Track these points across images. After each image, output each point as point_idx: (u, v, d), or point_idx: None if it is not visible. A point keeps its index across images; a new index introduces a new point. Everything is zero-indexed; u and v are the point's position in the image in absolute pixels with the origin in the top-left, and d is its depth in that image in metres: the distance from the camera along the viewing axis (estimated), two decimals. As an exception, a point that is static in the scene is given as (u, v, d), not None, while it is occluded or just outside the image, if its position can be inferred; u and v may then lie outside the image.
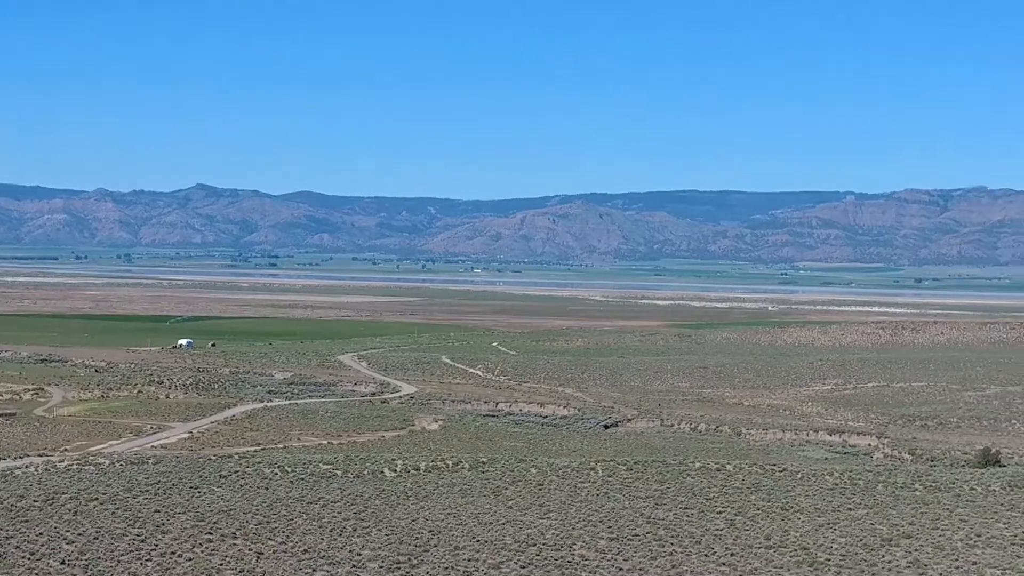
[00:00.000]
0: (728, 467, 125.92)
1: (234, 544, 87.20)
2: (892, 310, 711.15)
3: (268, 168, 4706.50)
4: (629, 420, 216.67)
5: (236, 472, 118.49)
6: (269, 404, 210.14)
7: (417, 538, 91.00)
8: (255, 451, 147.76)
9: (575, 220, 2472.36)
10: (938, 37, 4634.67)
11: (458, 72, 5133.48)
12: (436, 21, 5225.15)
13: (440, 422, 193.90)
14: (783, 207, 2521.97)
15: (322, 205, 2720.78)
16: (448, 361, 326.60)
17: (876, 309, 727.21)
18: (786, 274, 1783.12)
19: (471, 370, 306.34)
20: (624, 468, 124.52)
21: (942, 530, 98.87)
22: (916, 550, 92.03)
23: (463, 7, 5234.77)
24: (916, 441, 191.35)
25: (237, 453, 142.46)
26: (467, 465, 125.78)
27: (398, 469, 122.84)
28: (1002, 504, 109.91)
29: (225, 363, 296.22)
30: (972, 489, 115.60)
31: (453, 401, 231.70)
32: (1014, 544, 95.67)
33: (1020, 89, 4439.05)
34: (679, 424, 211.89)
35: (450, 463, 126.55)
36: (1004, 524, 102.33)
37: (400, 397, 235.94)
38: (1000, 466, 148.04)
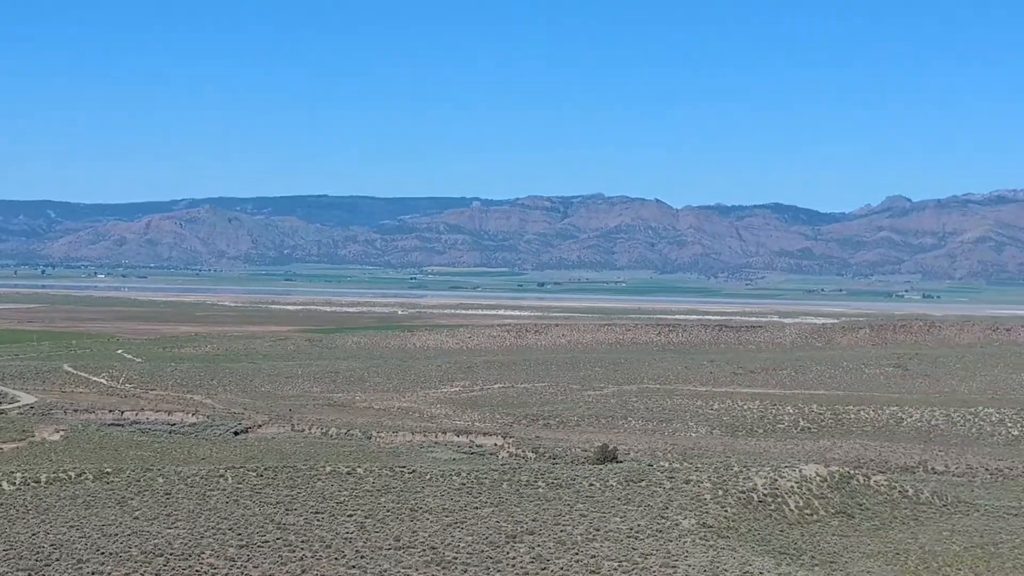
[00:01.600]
0: (358, 470, 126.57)
1: None
2: (517, 313, 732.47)
3: None
4: (260, 426, 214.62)
5: None
6: None
7: (38, 553, 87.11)
8: None
9: (203, 225, 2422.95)
10: (541, 48, 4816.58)
11: (74, 67, 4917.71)
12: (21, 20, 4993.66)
13: (62, 432, 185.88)
14: (412, 213, 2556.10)
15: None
16: (70, 369, 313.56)
17: (502, 312, 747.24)
18: (415, 278, 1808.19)
19: (95, 378, 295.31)
20: (254, 474, 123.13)
21: (563, 525, 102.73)
22: (539, 545, 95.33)
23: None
24: (539, 440, 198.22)
25: None
26: (91, 476, 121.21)
27: (17, 482, 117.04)
28: (619, 499, 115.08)
29: None
30: (591, 485, 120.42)
31: (76, 411, 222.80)
32: (630, 537, 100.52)
33: (628, 101, 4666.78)
34: (310, 429, 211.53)
35: (73, 474, 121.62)
36: (620, 518, 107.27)
37: (19, 408, 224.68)
38: (617, 462, 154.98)
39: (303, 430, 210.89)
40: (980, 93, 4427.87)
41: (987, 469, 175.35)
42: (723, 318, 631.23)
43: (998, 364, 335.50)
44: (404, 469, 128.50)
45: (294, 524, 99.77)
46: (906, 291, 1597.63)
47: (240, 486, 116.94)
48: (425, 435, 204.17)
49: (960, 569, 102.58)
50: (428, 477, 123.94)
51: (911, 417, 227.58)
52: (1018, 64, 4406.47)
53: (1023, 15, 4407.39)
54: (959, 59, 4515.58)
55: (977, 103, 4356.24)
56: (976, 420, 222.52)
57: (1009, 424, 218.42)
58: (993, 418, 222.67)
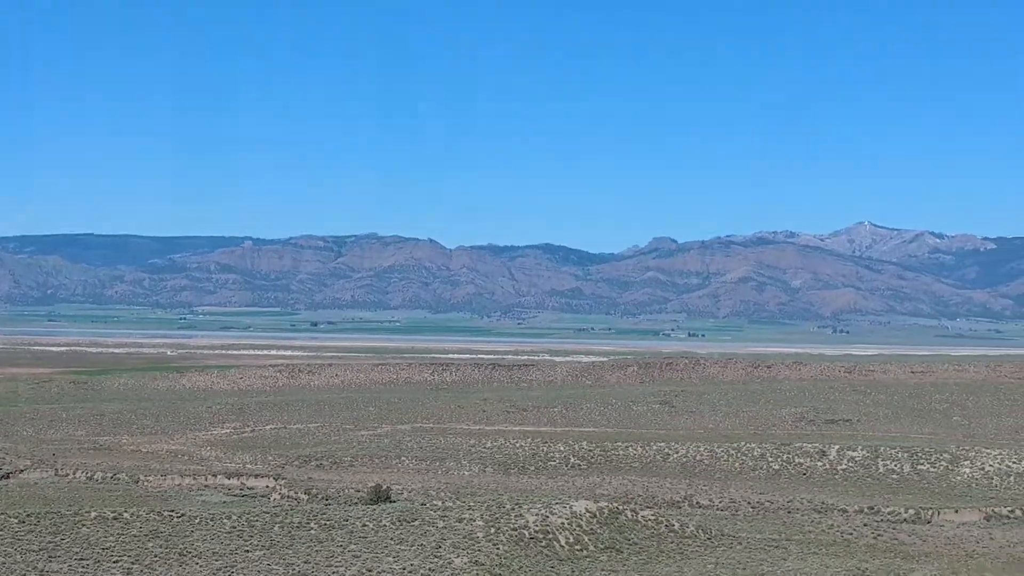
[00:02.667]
0: (125, 515, 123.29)
1: None
2: (290, 353, 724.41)
3: None
4: (21, 471, 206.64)
5: None
6: None
7: None
8: None
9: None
10: (310, 87, 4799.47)
11: None
12: None
13: None
14: (183, 251, 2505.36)
15: None
16: None
17: (274, 352, 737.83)
18: (185, 319, 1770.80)
19: None
20: (16, 520, 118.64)
21: (336, 566, 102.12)
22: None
23: None
24: (312, 481, 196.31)
25: None
26: None
27: None
28: (392, 539, 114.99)
29: None
30: (364, 525, 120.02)
31: None
32: None
33: (400, 141, 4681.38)
34: (74, 473, 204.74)
35: None
36: (393, 558, 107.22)
37: None
38: (391, 502, 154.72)
39: (67, 475, 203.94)
40: (740, 137, 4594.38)
41: (749, 502, 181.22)
42: (496, 357, 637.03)
43: (759, 400, 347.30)
44: (172, 513, 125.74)
45: (58, 571, 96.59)
46: (672, 330, 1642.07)
47: (1, 533, 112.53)
48: (195, 478, 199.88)
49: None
50: (197, 521, 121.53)
51: (677, 452, 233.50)
52: (773, 110, 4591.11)
53: (753, 62, 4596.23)
54: (717, 104, 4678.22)
55: (738, 146, 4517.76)
56: (739, 455, 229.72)
57: (770, 459, 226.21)
58: (755, 453, 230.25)
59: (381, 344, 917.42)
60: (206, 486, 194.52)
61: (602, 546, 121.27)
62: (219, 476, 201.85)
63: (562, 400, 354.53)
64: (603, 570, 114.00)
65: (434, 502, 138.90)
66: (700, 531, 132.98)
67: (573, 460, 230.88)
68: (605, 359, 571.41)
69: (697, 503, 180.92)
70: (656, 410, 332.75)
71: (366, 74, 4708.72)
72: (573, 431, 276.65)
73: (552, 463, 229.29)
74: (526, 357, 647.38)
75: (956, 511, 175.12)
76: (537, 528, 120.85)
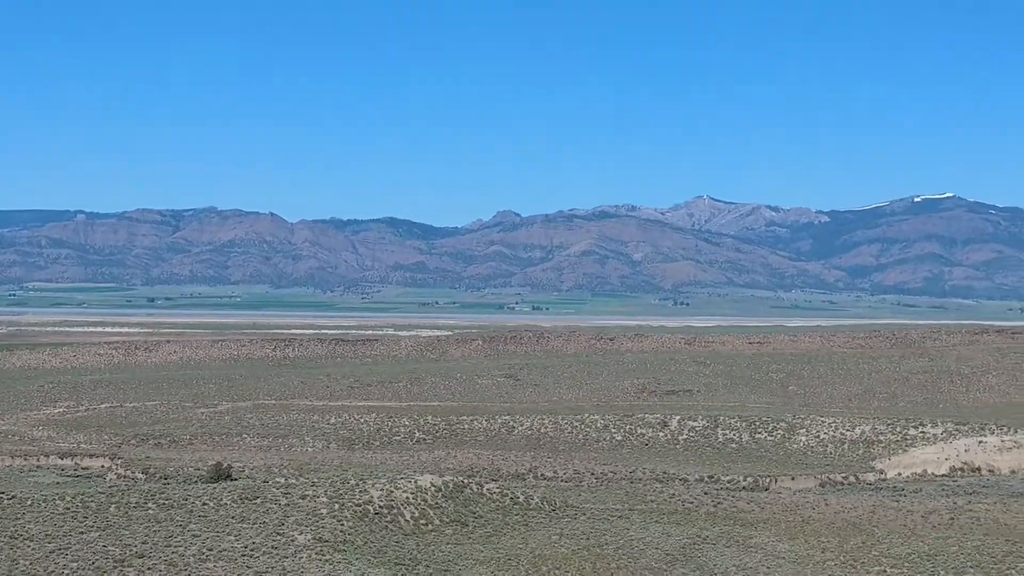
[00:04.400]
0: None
1: None
2: (126, 330, 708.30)
3: None
4: None
5: None
6: None
7: None
8: None
9: None
10: (151, 60, 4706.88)
11: None
12: None
13: None
14: (11, 226, 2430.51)
15: None
16: None
17: (109, 329, 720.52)
18: (15, 295, 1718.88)
19: None
20: None
21: (175, 547, 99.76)
22: (149, 568, 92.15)
23: None
24: (150, 460, 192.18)
25: None
26: None
27: None
28: (233, 517, 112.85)
29: None
30: (204, 504, 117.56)
31: None
32: (245, 555, 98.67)
33: (240, 114, 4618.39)
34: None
35: None
36: (235, 536, 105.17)
37: None
38: (232, 480, 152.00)
39: None
40: (582, 112, 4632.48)
41: (593, 473, 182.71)
42: (340, 332, 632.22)
43: (603, 372, 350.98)
44: (3, 495, 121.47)
45: None
46: (516, 303, 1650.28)
47: None
48: (26, 459, 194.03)
49: (568, 571, 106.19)
50: (29, 503, 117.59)
51: (522, 425, 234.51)
52: (614, 86, 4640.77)
53: (591, 38, 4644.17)
54: (560, 80, 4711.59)
55: (581, 122, 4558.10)
56: (583, 426, 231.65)
57: (613, 430, 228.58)
58: (599, 424, 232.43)
59: (221, 320, 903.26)
60: (38, 467, 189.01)
61: (447, 520, 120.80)
62: (52, 457, 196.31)
63: (407, 375, 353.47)
64: (448, 543, 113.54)
65: (276, 479, 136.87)
66: (545, 503, 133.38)
67: (418, 435, 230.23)
68: (450, 333, 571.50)
69: (542, 475, 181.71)
70: (501, 383, 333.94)
71: (209, 45, 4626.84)
72: (418, 406, 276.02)
73: (397, 438, 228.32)
74: (370, 332, 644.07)
75: (793, 478, 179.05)
76: (382, 503, 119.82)
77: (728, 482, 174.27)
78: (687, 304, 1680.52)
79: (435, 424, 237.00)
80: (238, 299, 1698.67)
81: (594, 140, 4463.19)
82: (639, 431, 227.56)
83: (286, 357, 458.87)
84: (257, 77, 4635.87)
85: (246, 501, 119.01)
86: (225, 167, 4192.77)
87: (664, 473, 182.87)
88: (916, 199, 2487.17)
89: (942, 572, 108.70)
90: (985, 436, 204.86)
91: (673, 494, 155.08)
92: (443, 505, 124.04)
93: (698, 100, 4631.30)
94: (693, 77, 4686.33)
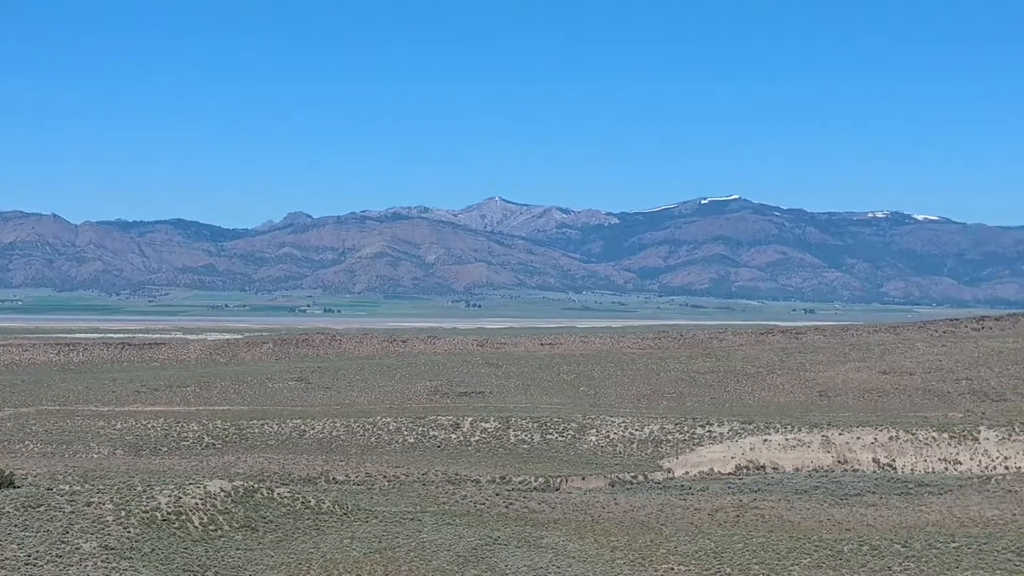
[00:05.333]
0: None
1: None
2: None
3: None
4: None
5: None
6: None
7: None
8: None
9: None
10: None
11: None
12: None
13: None
14: None
15: None
16: None
17: None
18: None
19: None
20: None
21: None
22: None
23: None
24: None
25: None
26: None
27: None
28: (16, 525, 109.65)
29: None
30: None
31: None
32: (28, 564, 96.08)
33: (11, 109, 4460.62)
34: None
35: None
36: (18, 545, 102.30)
37: None
38: (14, 487, 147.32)
39: None
40: (372, 112, 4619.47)
41: (385, 476, 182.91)
42: (126, 335, 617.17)
43: (395, 375, 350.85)
44: None
45: None
46: (308, 306, 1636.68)
47: None
48: None
49: (360, 575, 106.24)
50: None
51: (313, 429, 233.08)
52: (405, 86, 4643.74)
53: (381, 38, 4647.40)
54: (348, 80, 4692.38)
55: (370, 122, 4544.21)
56: (375, 429, 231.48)
57: (405, 432, 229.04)
58: (391, 427, 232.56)
59: (1, 325, 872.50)
60: None
61: (237, 525, 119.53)
62: None
63: (195, 379, 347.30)
64: (238, 549, 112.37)
65: (61, 486, 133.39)
66: (336, 506, 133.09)
67: (207, 440, 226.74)
68: (240, 336, 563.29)
69: (334, 479, 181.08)
70: (292, 387, 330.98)
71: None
72: (207, 410, 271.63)
73: (186, 443, 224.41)
74: (158, 336, 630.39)
75: (583, 478, 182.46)
76: (170, 510, 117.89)
77: (520, 483, 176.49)
78: (479, 306, 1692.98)
79: (225, 429, 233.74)
80: (19, 303, 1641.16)
81: (386, 140, 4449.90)
82: (431, 433, 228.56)
83: (70, 362, 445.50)
84: (34, 71, 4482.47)
85: (29, 509, 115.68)
86: (5, 166, 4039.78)
87: (456, 475, 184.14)
88: (703, 201, 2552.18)
89: (728, 569, 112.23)
90: (770, 435, 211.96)
91: (465, 496, 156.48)
92: (233, 511, 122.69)
93: (487, 101, 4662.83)
94: (479, 77, 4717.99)
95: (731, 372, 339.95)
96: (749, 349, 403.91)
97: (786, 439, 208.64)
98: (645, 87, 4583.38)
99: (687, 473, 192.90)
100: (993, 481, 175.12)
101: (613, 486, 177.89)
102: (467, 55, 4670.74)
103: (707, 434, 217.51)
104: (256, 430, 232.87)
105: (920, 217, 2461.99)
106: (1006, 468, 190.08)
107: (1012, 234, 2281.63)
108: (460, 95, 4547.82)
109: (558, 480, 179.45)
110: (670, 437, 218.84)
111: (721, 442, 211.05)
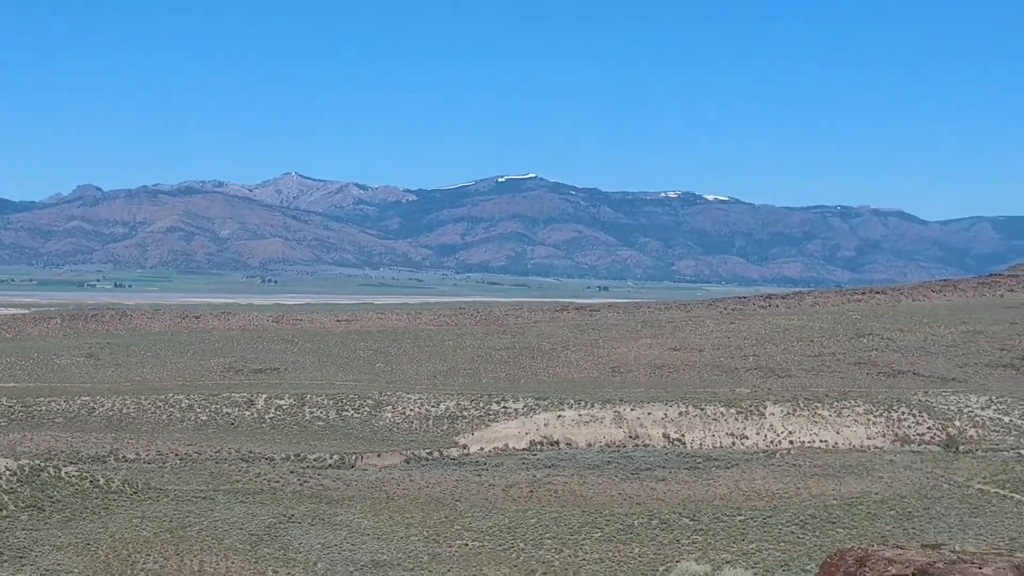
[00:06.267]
0: None
1: None
2: None
3: None
4: None
5: None
6: None
7: None
8: None
9: None
10: None
11: None
12: None
13: None
14: None
15: None
16: None
17: None
18: None
19: None
20: None
21: None
22: None
23: None
24: None
25: None
26: None
27: None
28: None
29: None
30: None
31: None
32: None
33: None
34: None
35: None
36: None
37: None
38: None
39: None
40: (164, 85, 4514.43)
41: (177, 454, 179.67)
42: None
43: (188, 351, 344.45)
44: None
45: None
46: (98, 280, 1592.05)
47: None
48: None
49: (151, 555, 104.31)
50: None
51: (103, 406, 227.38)
52: (186, 61, 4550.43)
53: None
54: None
55: (166, 94, 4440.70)
56: (167, 407, 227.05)
57: (198, 409, 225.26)
58: (183, 404, 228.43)
59: None
60: None
61: (23, 505, 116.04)
62: None
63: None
64: (24, 529, 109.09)
65: None
66: (126, 485, 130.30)
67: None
68: (26, 311, 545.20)
69: (124, 457, 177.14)
70: (81, 363, 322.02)
71: None
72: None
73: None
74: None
75: (379, 455, 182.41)
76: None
77: (315, 460, 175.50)
78: (275, 282, 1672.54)
79: (10, 406, 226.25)
80: None
81: (180, 114, 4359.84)
82: (225, 410, 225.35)
83: None
84: None
85: None
86: None
87: (250, 453, 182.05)
88: (500, 179, 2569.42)
89: (521, 544, 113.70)
90: (564, 410, 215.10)
91: (259, 473, 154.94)
92: (18, 490, 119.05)
93: (282, 77, 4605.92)
94: (274, 53, 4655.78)
95: (526, 349, 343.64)
96: (544, 326, 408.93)
97: (579, 415, 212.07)
98: (442, 66, 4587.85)
99: (482, 449, 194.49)
100: (778, 455, 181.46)
101: (409, 463, 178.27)
102: (261, 31, 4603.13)
103: (502, 410, 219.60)
104: (43, 407, 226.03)
105: (711, 197, 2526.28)
106: (790, 443, 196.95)
107: (798, 215, 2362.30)
108: (257, 70, 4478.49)
109: (353, 457, 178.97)
110: (466, 413, 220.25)
111: (516, 418, 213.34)
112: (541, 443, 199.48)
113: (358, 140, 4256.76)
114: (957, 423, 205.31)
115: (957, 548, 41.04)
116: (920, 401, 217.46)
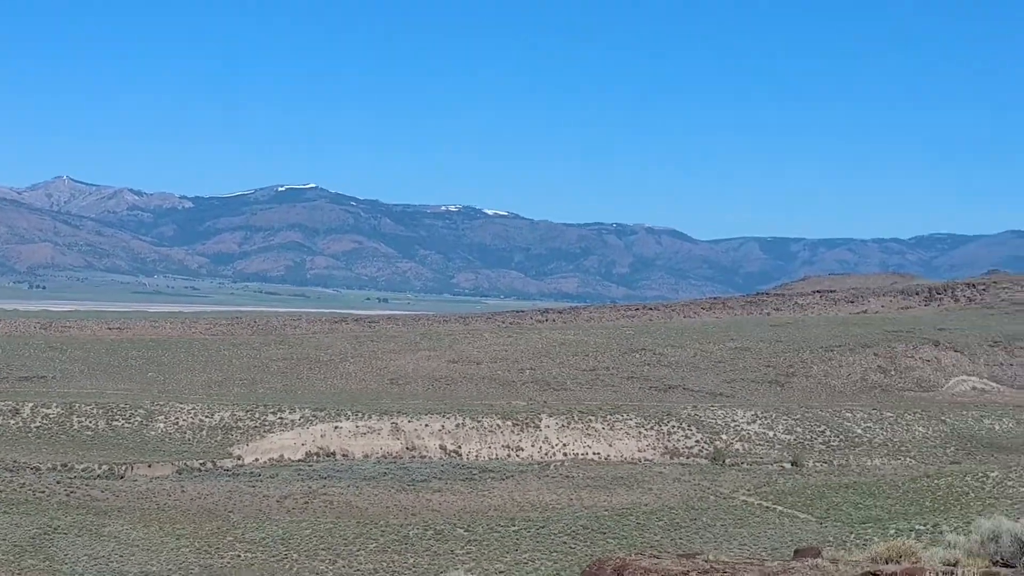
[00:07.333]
0: None
1: None
2: None
3: None
4: None
5: None
6: None
7: None
8: None
9: None
10: None
11: None
12: None
13: None
14: None
15: None
16: None
17: None
18: None
19: None
20: None
21: None
22: None
23: None
24: None
25: None
26: None
27: None
28: None
29: None
30: None
31: None
32: None
33: None
34: None
35: None
36: None
37: None
38: None
39: None
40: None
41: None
42: None
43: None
44: None
45: None
46: None
47: None
48: None
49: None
50: None
51: None
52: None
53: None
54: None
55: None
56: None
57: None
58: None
59: None
60: None
61: None
62: None
63: None
64: None
65: None
66: None
67: None
68: None
69: None
70: None
71: None
72: None
73: None
74: None
75: (150, 465, 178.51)
76: None
77: (83, 470, 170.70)
78: (44, 288, 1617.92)
79: None
80: None
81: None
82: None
83: None
84: None
85: None
86: None
87: (15, 462, 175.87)
88: (280, 188, 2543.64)
89: (295, 555, 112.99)
90: (341, 421, 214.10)
91: (24, 483, 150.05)
92: None
93: (54, 76, 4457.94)
94: (44, 53, 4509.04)
95: (304, 359, 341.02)
96: (323, 337, 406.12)
97: (357, 426, 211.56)
98: (218, 71, 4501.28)
99: (257, 460, 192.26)
100: (552, 467, 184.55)
101: (181, 473, 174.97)
102: (30, 26, 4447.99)
103: (278, 421, 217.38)
104: None
105: (491, 212, 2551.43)
106: (565, 455, 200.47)
107: (575, 231, 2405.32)
108: (27, 69, 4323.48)
109: (123, 467, 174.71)
110: (241, 424, 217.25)
111: (292, 429, 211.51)
112: (317, 454, 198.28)
113: (133, 145, 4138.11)
114: (724, 437, 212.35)
115: (711, 557, 42.81)
116: (689, 415, 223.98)
